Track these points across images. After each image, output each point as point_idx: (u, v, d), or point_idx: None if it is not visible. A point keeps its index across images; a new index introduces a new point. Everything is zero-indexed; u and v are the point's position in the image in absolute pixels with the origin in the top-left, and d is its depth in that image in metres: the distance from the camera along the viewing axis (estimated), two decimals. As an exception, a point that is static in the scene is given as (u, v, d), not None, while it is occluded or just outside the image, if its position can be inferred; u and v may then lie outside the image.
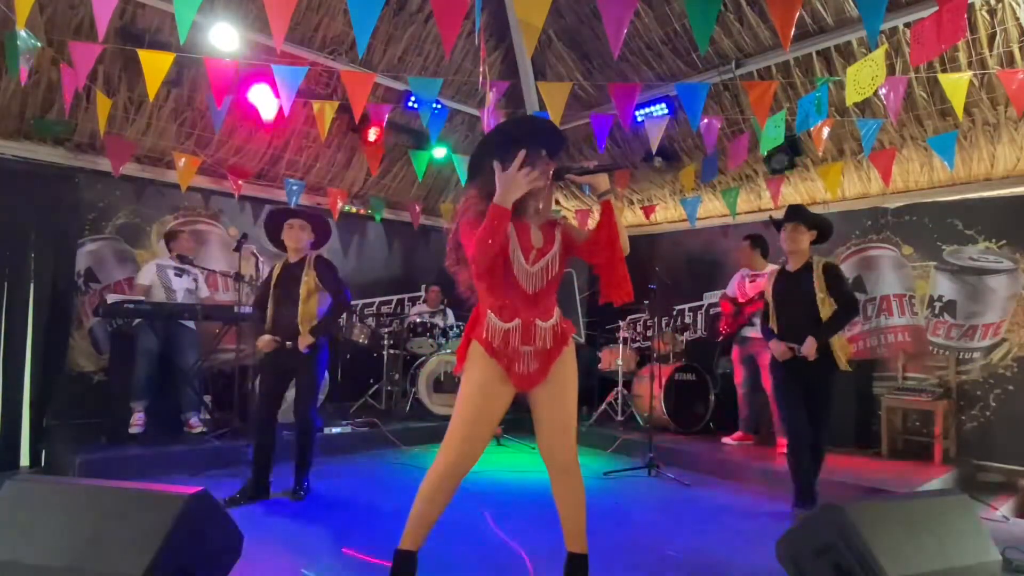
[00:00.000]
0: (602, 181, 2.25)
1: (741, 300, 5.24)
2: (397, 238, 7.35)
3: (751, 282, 5.21)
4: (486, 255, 2.10)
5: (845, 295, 3.57)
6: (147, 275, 4.83)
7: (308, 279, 3.72)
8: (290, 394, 3.85)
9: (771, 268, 3.86)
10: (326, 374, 5.28)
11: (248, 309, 4.47)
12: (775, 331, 3.69)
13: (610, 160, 2.06)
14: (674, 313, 6.91)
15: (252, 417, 3.68)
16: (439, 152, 6.17)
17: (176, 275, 4.89)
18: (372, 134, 5.74)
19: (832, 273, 3.60)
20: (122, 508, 2.05)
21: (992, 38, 4.22)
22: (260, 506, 3.56)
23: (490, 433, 2.28)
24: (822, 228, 3.71)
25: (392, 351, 6.24)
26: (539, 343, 2.24)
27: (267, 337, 3.66)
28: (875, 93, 3.79)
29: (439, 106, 5.49)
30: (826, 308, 3.52)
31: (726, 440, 5.26)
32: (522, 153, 2.11)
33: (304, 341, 3.64)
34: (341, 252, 6.88)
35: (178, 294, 4.85)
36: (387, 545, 3.00)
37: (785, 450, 4.79)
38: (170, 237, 5.06)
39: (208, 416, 4.97)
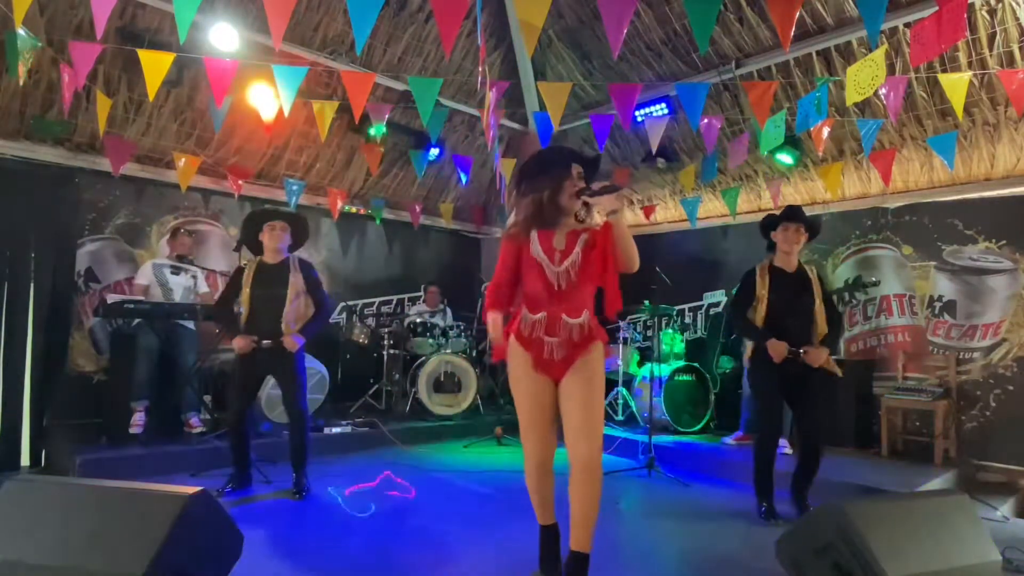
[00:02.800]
0: (610, 202, 2.33)
1: None
2: (397, 238, 7.35)
3: None
4: (495, 304, 2.53)
5: (835, 307, 3.69)
6: (144, 275, 4.84)
7: (295, 281, 3.75)
8: (276, 393, 3.85)
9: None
10: (323, 369, 5.31)
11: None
12: (763, 328, 3.58)
13: (610, 182, 2.19)
14: (674, 313, 6.90)
15: (227, 414, 3.72)
16: (433, 153, 6.17)
17: (173, 273, 4.89)
18: (374, 130, 5.73)
19: (824, 282, 3.68)
20: (122, 508, 2.05)
21: (992, 38, 4.22)
22: (260, 506, 3.57)
23: (550, 418, 2.45)
24: (816, 231, 3.73)
25: (392, 351, 6.24)
26: (564, 335, 2.40)
27: (245, 338, 3.66)
28: (875, 93, 3.79)
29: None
30: (820, 316, 3.56)
31: (726, 440, 5.25)
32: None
33: (292, 342, 3.67)
34: (341, 252, 6.89)
35: (176, 292, 4.85)
36: (386, 542, 3.01)
37: (784, 450, 4.83)
38: (171, 237, 5.07)
39: (208, 416, 4.97)
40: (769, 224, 3.74)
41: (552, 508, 2.56)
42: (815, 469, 3.58)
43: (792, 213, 3.64)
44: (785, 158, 5.44)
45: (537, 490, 2.51)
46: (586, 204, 2.45)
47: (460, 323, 6.58)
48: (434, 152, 6.21)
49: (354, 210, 6.79)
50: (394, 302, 7.28)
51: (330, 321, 6.60)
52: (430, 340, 6.21)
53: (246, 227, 3.87)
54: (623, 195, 2.26)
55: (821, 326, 3.54)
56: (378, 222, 6.91)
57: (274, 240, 3.76)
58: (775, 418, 3.59)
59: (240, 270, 3.83)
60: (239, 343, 3.65)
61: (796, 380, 3.52)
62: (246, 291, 3.72)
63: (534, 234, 2.47)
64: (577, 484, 2.31)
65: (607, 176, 6.42)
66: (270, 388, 4.75)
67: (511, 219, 2.57)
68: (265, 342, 3.66)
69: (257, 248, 3.87)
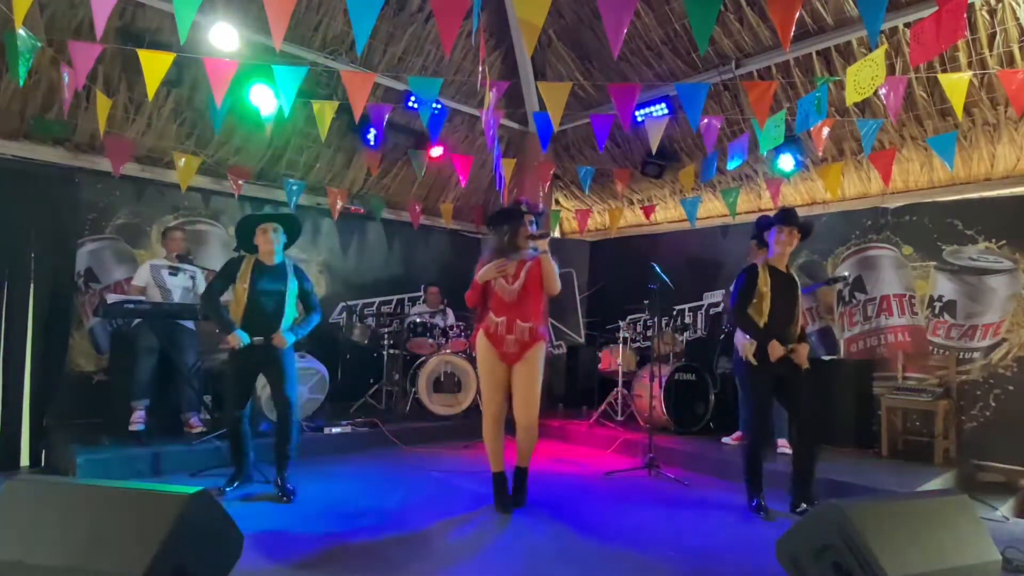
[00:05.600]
0: (543, 244, 3.40)
1: None
2: (397, 238, 7.35)
3: None
4: (471, 300, 3.59)
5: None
6: (142, 276, 4.81)
7: (292, 285, 3.83)
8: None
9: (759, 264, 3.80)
10: (323, 369, 5.30)
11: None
12: (764, 328, 3.60)
13: (543, 230, 2.95)
14: (674, 313, 6.91)
15: (225, 412, 3.81)
16: (436, 151, 6.18)
17: (171, 274, 4.87)
18: (436, 151, 6.12)
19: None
20: (122, 508, 2.05)
21: (992, 38, 4.23)
22: (260, 506, 3.56)
23: (503, 389, 3.51)
24: (808, 233, 3.77)
25: (392, 351, 6.23)
26: (518, 334, 3.45)
27: (238, 334, 3.67)
28: (875, 93, 3.79)
29: (439, 106, 5.50)
30: (802, 316, 3.71)
31: (726, 440, 5.25)
32: (501, 261, 3.47)
33: (282, 339, 3.72)
34: (341, 252, 6.88)
35: (174, 293, 4.83)
36: (388, 543, 3.01)
37: (780, 449, 4.84)
38: (164, 237, 5.05)
39: (208, 416, 4.96)
40: (764, 225, 3.76)
41: (501, 458, 3.59)
42: (813, 467, 3.61)
43: (787, 216, 3.66)
44: (787, 162, 5.43)
45: (492, 440, 3.56)
46: (531, 243, 3.44)
47: (460, 323, 6.58)
48: (437, 150, 6.21)
49: (354, 210, 6.79)
50: (394, 302, 7.28)
51: (330, 321, 6.60)
52: (430, 340, 6.20)
53: (239, 233, 3.87)
54: (547, 240, 3.40)
55: (800, 325, 3.70)
56: (378, 219, 6.90)
57: (267, 243, 3.78)
58: (769, 418, 3.70)
59: (232, 263, 3.80)
60: (234, 339, 3.67)
61: (786, 380, 3.59)
62: (243, 287, 3.73)
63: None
64: (525, 435, 3.50)
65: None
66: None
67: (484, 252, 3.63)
68: (257, 339, 3.69)
69: (254, 252, 3.88)
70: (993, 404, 4.80)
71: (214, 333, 5.05)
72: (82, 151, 5.11)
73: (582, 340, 7.22)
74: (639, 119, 5.71)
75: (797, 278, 3.76)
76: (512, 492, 3.62)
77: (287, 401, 3.75)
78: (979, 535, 2.36)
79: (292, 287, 3.84)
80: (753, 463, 3.68)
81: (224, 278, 3.80)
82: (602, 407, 6.10)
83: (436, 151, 6.17)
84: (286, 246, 3.94)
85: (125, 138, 5.10)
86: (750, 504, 3.69)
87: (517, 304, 3.46)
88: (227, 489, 3.71)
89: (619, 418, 5.96)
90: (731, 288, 5.47)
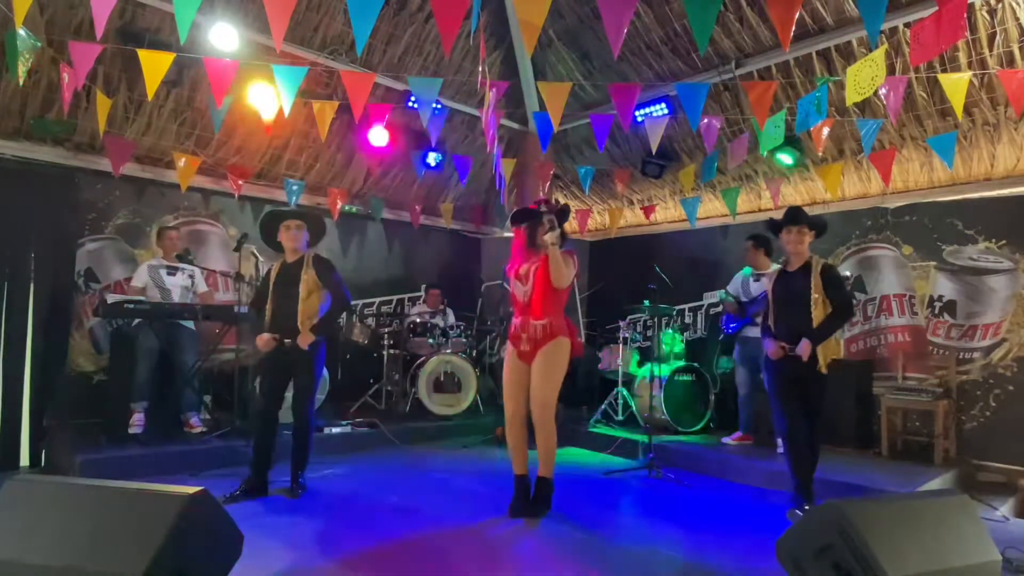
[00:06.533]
0: (550, 238, 3.33)
1: (744, 300, 5.25)
2: (397, 238, 7.35)
3: (755, 281, 5.20)
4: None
5: (841, 299, 3.57)
6: (140, 277, 4.83)
7: (308, 278, 3.79)
8: (290, 392, 3.89)
9: (774, 268, 3.90)
10: (324, 372, 5.29)
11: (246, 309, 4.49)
12: (772, 330, 3.71)
13: (550, 223, 3.06)
14: (674, 313, 6.90)
15: (253, 415, 3.77)
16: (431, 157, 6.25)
17: (169, 274, 4.88)
18: (432, 159, 6.26)
19: (830, 275, 3.58)
20: (122, 508, 2.05)
21: (992, 38, 4.22)
22: (259, 505, 3.56)
23: (522, 390, 3.49)
24: (821, 229, 3.73)
25: (392, 351, 6.23)
26: (531, 333, 3.48)
27: (266, 336, 3.74)
28: (875, 93, 3.79)
29: (439, 106, 5.50)
30: (819, 309, 3.51)
31: (726, 440, 5.25)
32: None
33: (305, 339, 3.70)
34: (341, 252, 6.88)
35: (174, 292, 4.84)
36: (386, 542, 3.01)
37: (780, 450, 4.83)
38: (159, 237, 5.04)
39: (208, 416, 4.96)
40: (775, 228, 3.77)
41: (523, 461, 3.55)
42: (812, 468, 3.59)
43: (791, 217, 3.65)
44: (785, 158, 5.45)
45: (511, 442, 3.55)
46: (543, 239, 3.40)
47: (461, 323, 6.57)
48: (434, 157, 6.23)
49: (354, 210, 6.79)
50: (394, 302, 7.28)
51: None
52: (430, 340, 6.20)
53: (264, 230, 3.95)
54: (555, 234, 3.29)
55: (819, 316, 3.51)
56: (378, 219, 6.90)
57: (289, 240, 3.83)
58: (784, 415, 3.61)
59: (266, 275, 3.93)
60: (260, 341, 3.73)
61: (797, 380, 3.56)
62: (270, 292, 3.82)
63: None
64: (540, 433, 3.44)
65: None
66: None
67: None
68: (287, 340, 3.72)
69: (280, 249, 3.95)
70: (993, 404, 4.80)
71: (214, 333, 5.05)
72: (82, 151, 5.11)
73: (582, 340, 7.21)
74: (639, 119, 5.71)
75: (817, 268, 3.56)
76: (532, 499, 3.52)
77: (303, 416, 3.76)
78: (979, 535, 2.36)
79: (305, 281, 3.77)
80: (790, 463, 3.62)
81: (260, 292, 3.94)
82: (602, 407, 6.09)
83: (431, 157, 6.21)
84: (311, 244, 3.97)
85: (125, 138, 5.10)
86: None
87: (530, 303, 3.50)
88: (237, 494, 3.60)
89: (619, 418, 5.96)
90: (727, 288, 5.52)
